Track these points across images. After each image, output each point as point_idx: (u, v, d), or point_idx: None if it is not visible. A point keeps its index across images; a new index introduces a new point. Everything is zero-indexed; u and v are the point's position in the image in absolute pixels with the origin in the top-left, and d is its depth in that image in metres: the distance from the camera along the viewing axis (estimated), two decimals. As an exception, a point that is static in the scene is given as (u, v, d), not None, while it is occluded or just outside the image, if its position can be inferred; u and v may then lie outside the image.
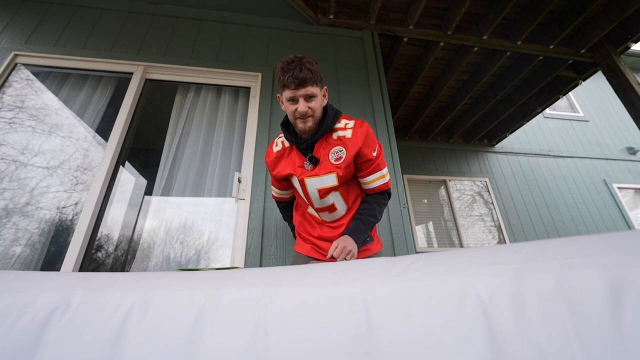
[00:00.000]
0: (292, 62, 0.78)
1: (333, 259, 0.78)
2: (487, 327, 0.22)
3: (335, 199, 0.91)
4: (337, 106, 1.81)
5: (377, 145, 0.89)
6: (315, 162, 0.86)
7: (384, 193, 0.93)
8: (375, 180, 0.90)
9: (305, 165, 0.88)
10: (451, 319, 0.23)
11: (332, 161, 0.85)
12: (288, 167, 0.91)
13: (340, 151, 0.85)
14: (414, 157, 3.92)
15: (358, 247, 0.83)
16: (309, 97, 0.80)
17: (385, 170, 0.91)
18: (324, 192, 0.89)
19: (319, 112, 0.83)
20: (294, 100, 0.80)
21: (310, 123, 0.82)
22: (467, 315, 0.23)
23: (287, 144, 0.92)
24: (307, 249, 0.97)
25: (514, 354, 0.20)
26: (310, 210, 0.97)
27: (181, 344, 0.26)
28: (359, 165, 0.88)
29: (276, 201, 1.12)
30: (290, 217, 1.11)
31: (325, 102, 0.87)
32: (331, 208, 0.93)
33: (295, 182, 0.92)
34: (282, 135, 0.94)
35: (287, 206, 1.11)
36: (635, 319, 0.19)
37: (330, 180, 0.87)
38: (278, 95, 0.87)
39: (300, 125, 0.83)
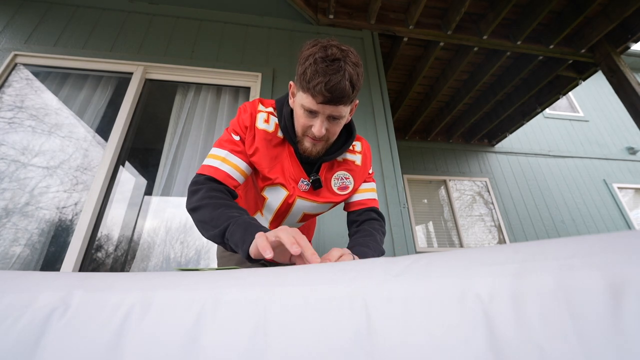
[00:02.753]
0: (333, 62, 0.51)
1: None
2: (487, 328, 0.22)
3: (306, 222, 0.76)
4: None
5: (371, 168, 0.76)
6: (317, 187, 0.65)
7: (377, 216, 0.71)
8: (365, 191, 0.72)
9: (300, 183, 0.65)
10: (451, 319, 0.23)
11: (335, 189, 0.67)
12: (275, 170, 0.64)
13: (346, 178, 0.68)
14: (414, 157, 3.92)
15: None
16: (333, 118, 0.57)
17: (375, 186, 0.75)
18: (307, 217, 0.73)
19: (336, 135, 0.62)
20: (312, 113, 0.56)
21: (319, 147, 0.61)
22: (467, 315, 0.23)
23: (280, 133, 0.65)
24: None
25: (514, 354, 0.20)
26: (260, 219, 0.75)
27: (181, 344, 0.26)
28: None
29: (216, 181, 0.60)
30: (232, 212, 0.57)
31: (349, 119, 0.64)
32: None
33: (276, 194, 0.66)
34: (274, 111, 0.66)
35: (227, 199, 0.58)
36: (636, 319, 0.19)
37: (324, 208, 0.70)
38: (291, 83, 0.61)
39: (306, 144, 0.61)
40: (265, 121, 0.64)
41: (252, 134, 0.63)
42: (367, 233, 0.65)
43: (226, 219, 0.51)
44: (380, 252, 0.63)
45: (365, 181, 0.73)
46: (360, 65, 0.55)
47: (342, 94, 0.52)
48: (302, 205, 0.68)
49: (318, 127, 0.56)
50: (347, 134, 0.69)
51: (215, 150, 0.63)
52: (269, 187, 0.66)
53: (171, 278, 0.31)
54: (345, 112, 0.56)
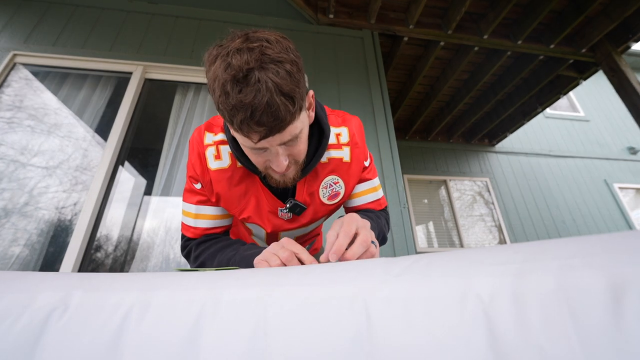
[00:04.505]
0: (246, 79, 0.35)
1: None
2: (488, 328, 0.21)
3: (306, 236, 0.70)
4: (337, 107, 1.80)
5: (368, 153, 0.62)
6: (299, 212, 0.54)
7: (383, 212, 0.64)
8: (363, 193, 0.60)
9: (279, 213, 0.55)
10: (451, 319, 0.23)
11: (325, 200, 0.56)
12: (249, 209, 0.54)
13: (335, 184, 0.55)
14: (414, 157, 3.92)
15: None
16: (290, 141, 0.42)
17: (376, 182, 0.62)
18: (302, 238, 0.67)
19: (305, 150, 0.47)
20: (259, 149, 0.42)
21: (292, 174, 0.48)
22: (468, 315, 0.22)
23: (239, 163, 0.52)
24: None
25: (515, 354, 0.20)
26: (257, 240, 0.69)
27: (180, 344, 0.26)
28: None
29: (198, 239, 0.58)
30: (235, 241, 0.57)
31: (312, 116, 0.48)
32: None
33: (257, 227, 0.58)
34: (224, 139, 0.53)
35: (216, 243, 0.57)
36: (637, 319, 0.18)
37: (318, 224, 0.62)
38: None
39: (275, 177, 0.48)
40: (217, 157, 0.51)
41: (208, 178, 0.52)
42: (370, 214, 0.59)
43: (226, 262, 0.51)
44: (380, 229, 0.57)
45: (361, 180, 0.60)
46: (288, 52, 0.38)
47: (278, 116, 0.36)
48: (289, 234, 0.60)
49: (277, 163, 0.43)
50: (319, 132, 0.53)
51: (185, 206, 0.57)
52: (247, 223, 0.58)
53: (170, 278, 0.31)
54: (299, 128, 0.42)
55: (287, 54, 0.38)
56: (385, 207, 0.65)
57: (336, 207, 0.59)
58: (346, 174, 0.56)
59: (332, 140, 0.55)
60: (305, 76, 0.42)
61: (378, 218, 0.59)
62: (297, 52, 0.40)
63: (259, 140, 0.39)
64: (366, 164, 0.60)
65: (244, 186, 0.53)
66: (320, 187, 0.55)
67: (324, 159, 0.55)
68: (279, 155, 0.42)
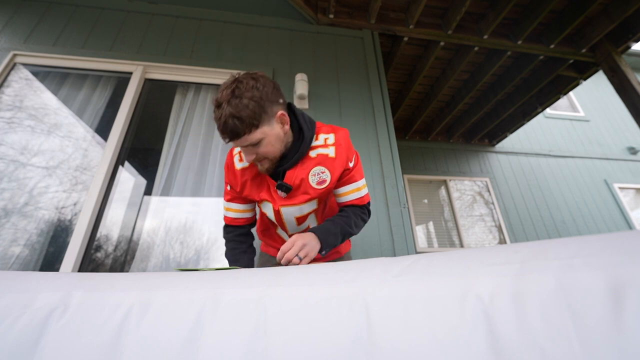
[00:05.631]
0: (218, 108, 0.61)
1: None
2: (488, 328, 0.21)
3: (311, 221, 0.83)
4: (337, 107, 1.80)
5: (355, 155, 0.79)
6: (286, 190, 0.73)
7: (362, 207, 0.81)
8: (348, 193, 0.79)
9: (278, 192, 0.75)
10: (451, 320, 0.23)
11: (314, 185, 0.73)
12: (263, 192, 0.76)
13: (322, 172, 0.73)
14: (414, 157, 3.92)
15: (322, 252, 0.69)
16: (251, 146, 0.65)
17: (361, 183, 0.80)
18: (302, 219, 0.80)
19: (274, 151, 0.69)
20: (239, 147, 0.67)
21: (266, 166, 0.71)
22: (468, 315, 0.22)
23: None
24: (274, 252, 0.92)
25: (515, 354, 0.20)
26: (281, 232, 0.87)
27: (180, 344, 0.26)
28: None
29: (230, 227, 0.86)
30: (246, 251, 0.84)
31: (286, 128, 0.70)
32: (306, 229, 0.84)
33: (268, 209, 0.79)
34: None
35: (244, 235, 0.86)
36: (636, 319, 0.18)
37: (311, 206, 0.78)
38: None
39: (259, 167, 0.72)
40: (240, 160, 0.78)
41: (234, 175, 0.78)
42: (343, 214, 0.78)
43: (231, 264, 0.80)
44: (342, 227, 0.74)
45: (347, 181, 0.77)
46: (252, 90, 0.61)
47: (233, 130, 0.61)
48: (289, 211, 0.77)
49: (245, 157, 0.68)
50: (302, 137, 0.74)
51: (223, 201, 0.86)
52: (260, 204, 0.81)
53: (170, 278, 0.31)
54: (256, 137, 0.64)
55: (250, 91, 0.61)
56: (368, 202, 0.82)
57: (325, 191, 0.75)
58: (331, 166, 0.73)
59: (320, 142, 0.75)
60: (271, 105, 0.65)
61: (348, 218, 0.77)
62: (266, 87, 0.64)
63: (228, 142, 0.64)
64: (350, 164, 0.76)
65: (260, 178, 0.78)
66: (310, 174, 0.74)
67: (313, 155, 0.74)
68: (244, 153, 0.68)
